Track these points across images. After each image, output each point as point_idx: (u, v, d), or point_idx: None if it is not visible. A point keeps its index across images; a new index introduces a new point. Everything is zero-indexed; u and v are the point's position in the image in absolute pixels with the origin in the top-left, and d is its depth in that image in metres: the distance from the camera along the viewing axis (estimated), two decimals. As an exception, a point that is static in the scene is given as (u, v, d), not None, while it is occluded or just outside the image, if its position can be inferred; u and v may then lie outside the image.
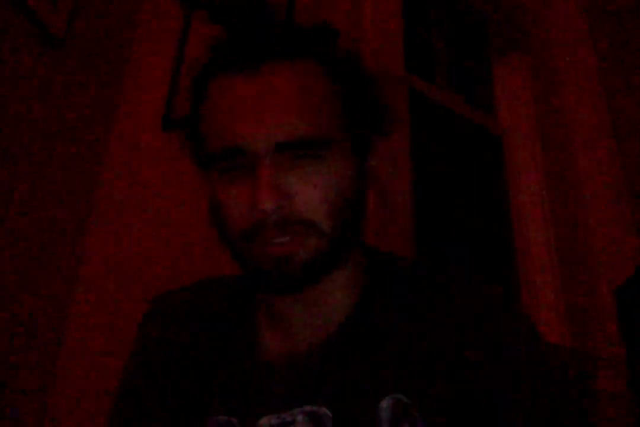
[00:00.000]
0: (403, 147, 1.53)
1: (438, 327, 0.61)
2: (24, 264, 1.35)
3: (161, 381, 0.68)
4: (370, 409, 0.57)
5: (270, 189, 0.56)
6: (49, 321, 1.42)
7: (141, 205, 1.56)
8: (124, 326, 1.44)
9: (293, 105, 0.59)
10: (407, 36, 1.79)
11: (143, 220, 1.54)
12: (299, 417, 0.58)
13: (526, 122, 2.06)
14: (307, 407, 0.59)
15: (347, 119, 0.62)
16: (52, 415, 1.36)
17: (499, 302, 0.64)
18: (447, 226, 1.82)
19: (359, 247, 0.68)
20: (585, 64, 1.64)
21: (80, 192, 1.56)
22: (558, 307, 1.67)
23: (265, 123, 0.58)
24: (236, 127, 0.59)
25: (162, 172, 1.59)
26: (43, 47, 1.44)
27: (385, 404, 0.57)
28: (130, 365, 0.72)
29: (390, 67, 1.57)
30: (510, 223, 1.95)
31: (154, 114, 1.68)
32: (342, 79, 0.63)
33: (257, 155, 0.58)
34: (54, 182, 1.46)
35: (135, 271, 1.48)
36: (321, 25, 0.66)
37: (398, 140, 1.48)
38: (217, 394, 0.64)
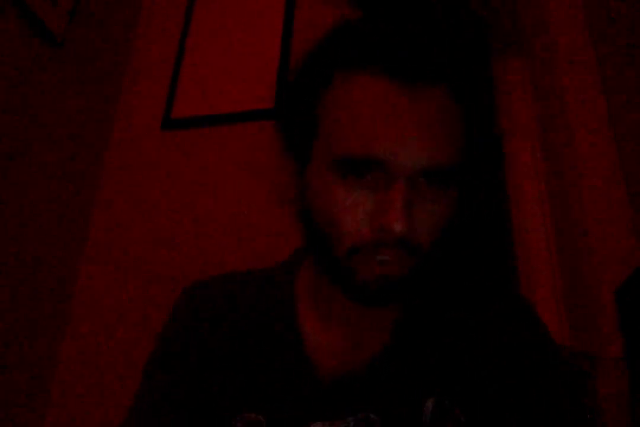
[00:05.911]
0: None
1: (474, 339, 0.67)
2: (25, 263, 1.35)
3: (193, 371, 0.68)
4: (415, 410, 0.60)
5: (405, 212, 0.55)
6: (50, 322, 1.42)
7: (141, 204, 1.57)
8: (123, 327, 1.44)
9: (444, 135, 0.58)
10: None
11: (143, 219, 1.54)
12: (351, 424, 0.61)
13: (526, 123, 2.06)
14: (360, 415, 0.61)
15: (467, 154, 0.62)
16: (52, 414, 1.36)
17: (526, 314, 0.70)
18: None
19: None
20: (585, 65, 1.64)
21: (81, 190, 1.56)
22: (558, 307, 1.67)
23: (418, 146, 0.56)
24: (387, 141, 0.56)
25: (161, 171, 1.60)
26: (43, 47, 1.44)
27: (429, 405, 0.61)
28: (160, 353, 0.72)
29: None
30: (510, 223, 1.94)
31: (154, 114, 1.68)
32: (472, 114, 0.63)
33: (398, 174, 0.56)
34: (54, 181, 1.46)
35: (136, 270, 1.48)
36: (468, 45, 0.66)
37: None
38: (252, 389, 0.64)
